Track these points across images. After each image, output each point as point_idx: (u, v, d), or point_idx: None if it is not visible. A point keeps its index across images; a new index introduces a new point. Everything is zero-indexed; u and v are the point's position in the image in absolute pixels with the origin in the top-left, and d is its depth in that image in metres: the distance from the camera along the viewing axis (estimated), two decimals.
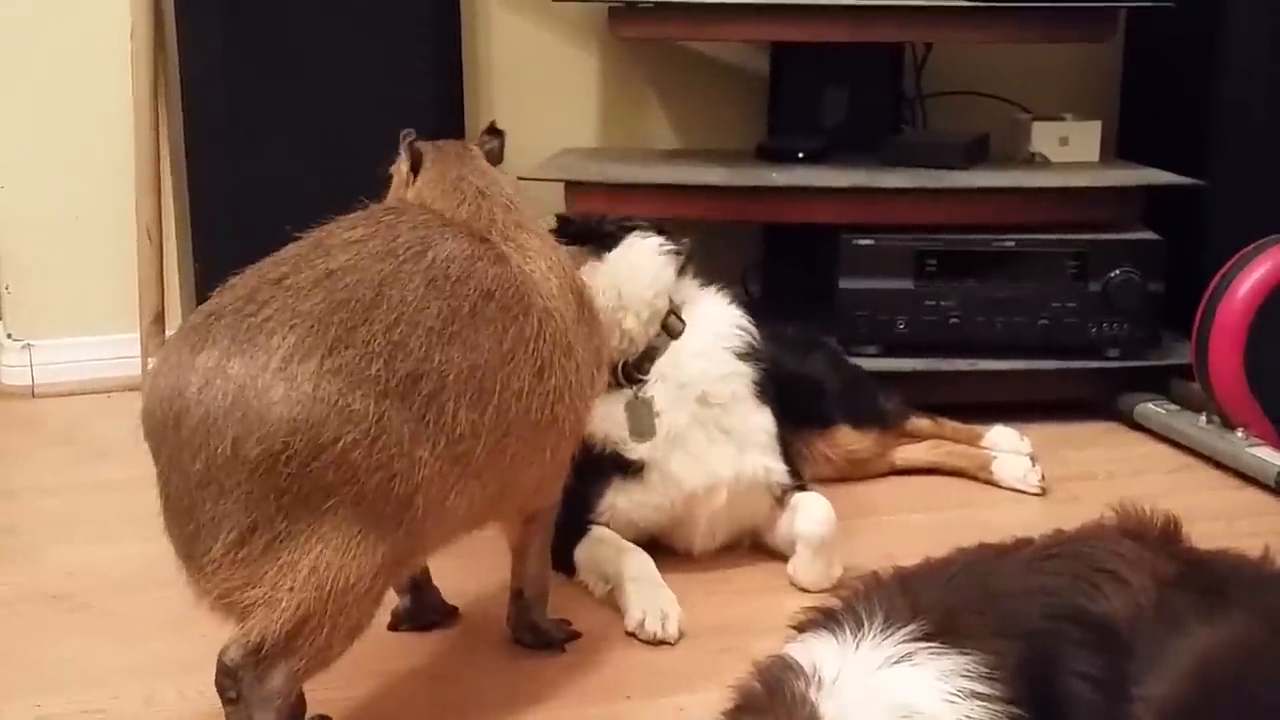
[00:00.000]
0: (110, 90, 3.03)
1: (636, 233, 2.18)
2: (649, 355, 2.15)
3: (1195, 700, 1.35)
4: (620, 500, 2.14)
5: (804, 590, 2.12)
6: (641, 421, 2.12)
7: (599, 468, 2.12)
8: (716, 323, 2.21)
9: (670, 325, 2.16)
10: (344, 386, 1.50)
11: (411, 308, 1.57)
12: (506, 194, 1.83)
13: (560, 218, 2.23)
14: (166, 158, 3.11)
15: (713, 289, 2.25)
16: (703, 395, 2.15)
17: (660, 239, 2.19)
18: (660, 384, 2.14)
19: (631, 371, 2.14)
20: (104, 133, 3.06)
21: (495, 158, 1.90)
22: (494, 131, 1.93)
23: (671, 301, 2.17)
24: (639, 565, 2.07)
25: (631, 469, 2.13)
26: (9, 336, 3.14)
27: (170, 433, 1.50)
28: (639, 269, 2.14)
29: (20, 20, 3.00)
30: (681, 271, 2.20)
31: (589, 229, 2.18)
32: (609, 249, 2.15)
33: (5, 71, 3.02)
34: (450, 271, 1.62)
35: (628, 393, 2.13)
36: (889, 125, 3.23)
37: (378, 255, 1.60)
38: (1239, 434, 2.63)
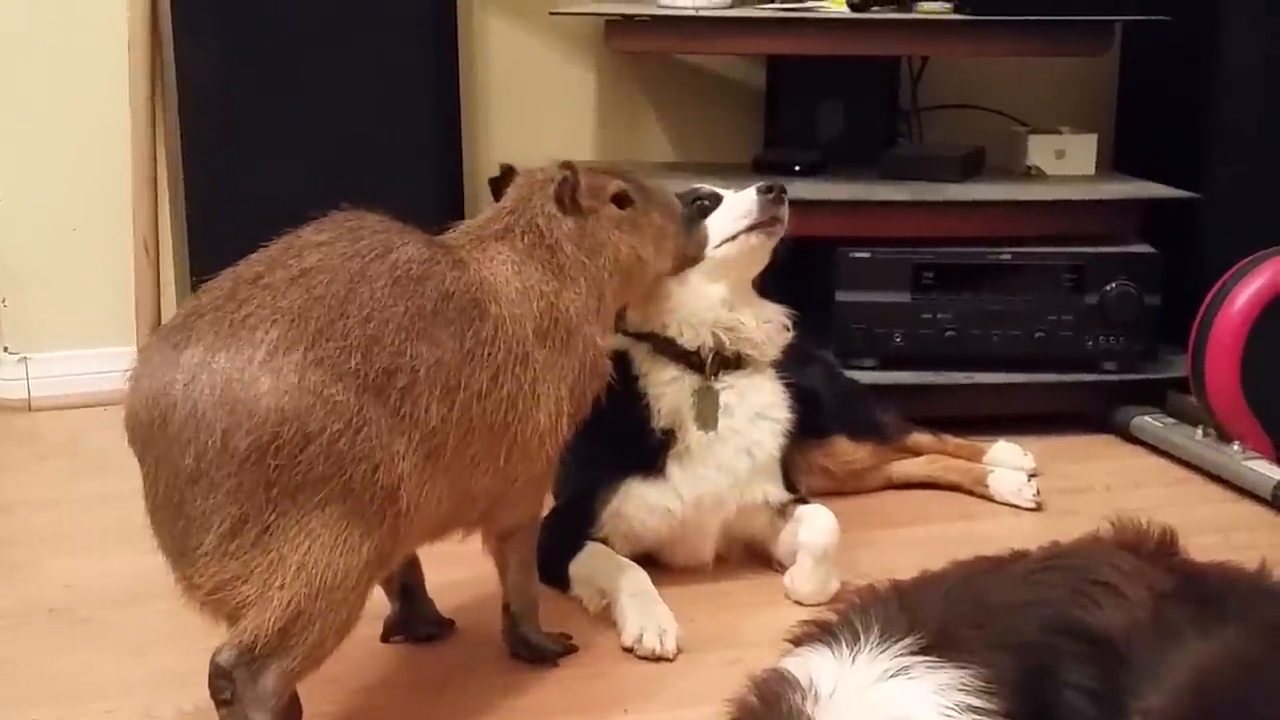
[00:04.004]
0: (108, 102, 3.04)
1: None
2: (742, 362, 2.18)
3: (1192, 713, 1.35)
4: (628, 506, 2.15)
5: (799, 602, 2.12)
6: (708, 411, 2.14)
7: (630, 455, 2.14)
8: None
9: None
10: (327, 378, 1.53)
11: (381, 304, 1.61)
12: (530, 215, 1.86)
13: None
14: (164, 170, 3.11)
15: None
16: (760, 412, 2.19)
17: None
18: (731, 390, 2.17)
19: (718, 365, 2.16)
20: (101, 145, 3.06)
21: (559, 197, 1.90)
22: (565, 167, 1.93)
23: None
24: (636, 581, 2.07)
25: (656, 466, 2.14)
26: (6, 349, 3.13)
27: (157, 431, 1.52)
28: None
29: (18, 32, 3.01)
30: None
31: None
32: None
33: (3, 83, 3.02)
34: (412, 272, 1.66)
35: (695, 379, 2.15)
36: (885, 138, 3.24)
37: (346, 255, 1.64)
38: (1235, 447, 2.63)
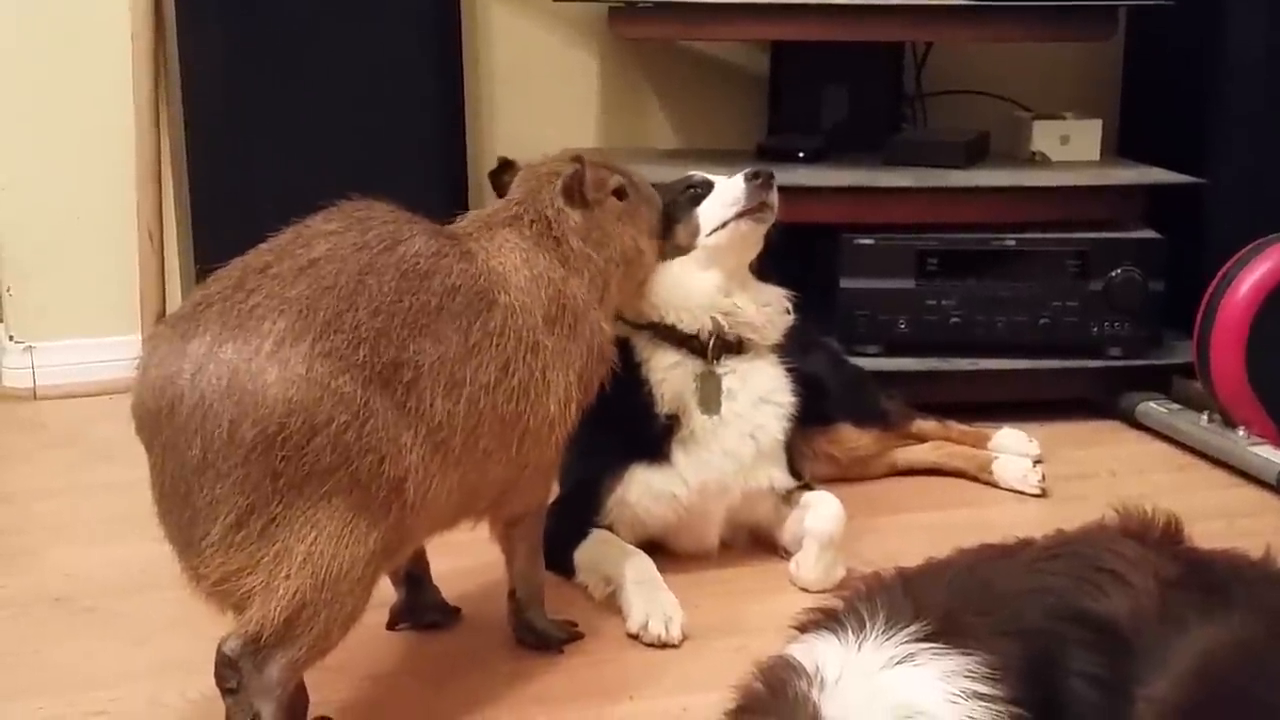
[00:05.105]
0: (111, 91, 3.04)
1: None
2: (743, 347, 2.18)
3: (1197, 700, 1.35)
4: (633, 493, 2.14)
5: (805, 589, 2.12)
6: (710, 395, 2.14)
7: (634, 441, 2.14)
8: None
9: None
10: (334, 369, 1.53)
11: (389, 298, 1.61)
12: (539, 207, 1.87)
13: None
14: (167, 158, 3.11)
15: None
16: (763, 397, 2.19)
17: None
18: (733, 375, 2.17)
19: (719, 349, 2.16)
20: (105, 134, 3.06)
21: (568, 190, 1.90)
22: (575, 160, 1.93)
23: None
24: (641, 567, 2.07)
25: (660, 452, 2.14)
26: (11, 338, 3.14)
27: (164, 421, 1.52)
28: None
29: (21, 21, 3.01)
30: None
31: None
32: None
33: (6, 72, 3.02)
34: (419, 266, 1.66)
35: (697, 363, 2.15)
36: (889, 124, 3.23)
37: (355, 246, 1.64)
38: (1240, 433, 2.63)
